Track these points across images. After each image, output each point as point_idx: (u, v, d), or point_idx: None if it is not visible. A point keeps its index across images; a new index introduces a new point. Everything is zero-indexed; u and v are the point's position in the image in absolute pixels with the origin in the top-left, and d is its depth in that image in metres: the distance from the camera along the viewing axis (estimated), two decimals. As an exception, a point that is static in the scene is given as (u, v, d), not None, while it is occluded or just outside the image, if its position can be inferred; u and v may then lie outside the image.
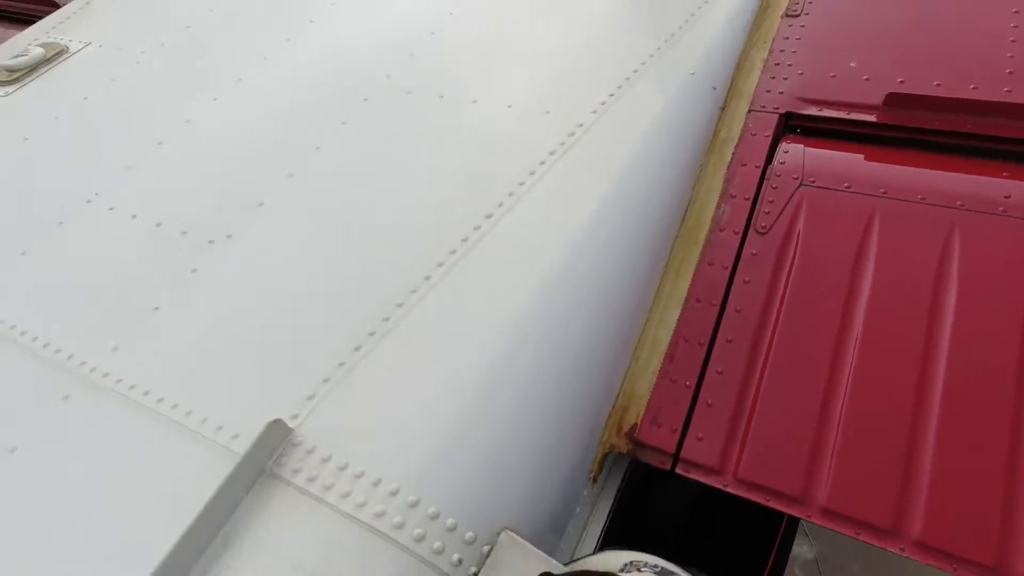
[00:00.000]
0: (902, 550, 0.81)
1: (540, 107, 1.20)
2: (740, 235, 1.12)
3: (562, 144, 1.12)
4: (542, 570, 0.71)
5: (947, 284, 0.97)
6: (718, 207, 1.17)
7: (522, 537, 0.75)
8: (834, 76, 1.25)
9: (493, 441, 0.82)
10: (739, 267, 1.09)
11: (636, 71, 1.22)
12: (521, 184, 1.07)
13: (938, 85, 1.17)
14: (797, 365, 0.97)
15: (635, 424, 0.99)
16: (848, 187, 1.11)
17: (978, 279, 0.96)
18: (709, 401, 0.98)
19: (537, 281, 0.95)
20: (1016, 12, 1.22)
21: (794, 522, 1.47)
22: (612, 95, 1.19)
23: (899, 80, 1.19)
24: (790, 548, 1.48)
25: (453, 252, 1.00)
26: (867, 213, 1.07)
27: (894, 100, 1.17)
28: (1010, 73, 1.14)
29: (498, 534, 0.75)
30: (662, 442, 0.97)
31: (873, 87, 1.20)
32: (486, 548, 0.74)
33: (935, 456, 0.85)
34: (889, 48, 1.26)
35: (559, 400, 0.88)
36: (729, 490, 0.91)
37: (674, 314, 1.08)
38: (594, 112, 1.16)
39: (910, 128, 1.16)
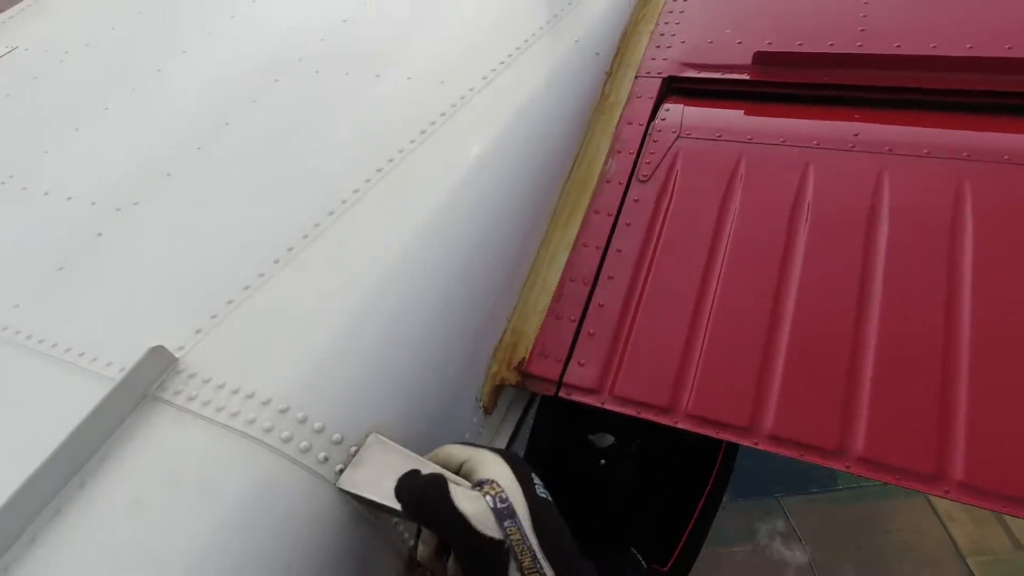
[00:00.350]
0: (756, 444, 0.87)
1: (436, 78, 1.27)
2: (624, 185, 1.19)
3: (453, 106, 1.19)
4: (405, 463, 0.74)
5: (801, 210, 1.05)
6: (606, 162, 1.24)
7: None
8: (711, 43, 1.35)
9: (366, 360, 0.86)
10: (622, 213, 1.16)
11: (526, 41, 1.31)
12: (412, 141, 1.13)
13: (800, 44, 1.27)
14: (669, 293, 1.04)
15: (523, 358, 1.04)
16: (720, 137, 1.20)
17: (828, 204, 1.05)
18: (591, 331, 1.04)
19: (418, 221, 1.01)
20: (870, -18, 1.34)
21: (725, 476, 1.51)
22: (502, 63, 1.27)
23: (768, 42, 1.29)
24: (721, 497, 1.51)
25: (344, 202, 1.05)
26: (735, 157, 1.15)
27: (762, 59, 1.27)
28: (862, 31, 1.25)
29: (366, 436, 0.79)
30: (547, 371, 1.02)
31: (745, 49, 1.29)
32: (353, 449, 0.78)
33: (785, 364, 0.92)
34: (761, 17, 1.36)
35: (433, 326, 0.94)
36: (606, 407, 0.96)
37: (563, 258, 1.14)
38: (484, 78, 1.24)
39: (777, 83, 1.25)
